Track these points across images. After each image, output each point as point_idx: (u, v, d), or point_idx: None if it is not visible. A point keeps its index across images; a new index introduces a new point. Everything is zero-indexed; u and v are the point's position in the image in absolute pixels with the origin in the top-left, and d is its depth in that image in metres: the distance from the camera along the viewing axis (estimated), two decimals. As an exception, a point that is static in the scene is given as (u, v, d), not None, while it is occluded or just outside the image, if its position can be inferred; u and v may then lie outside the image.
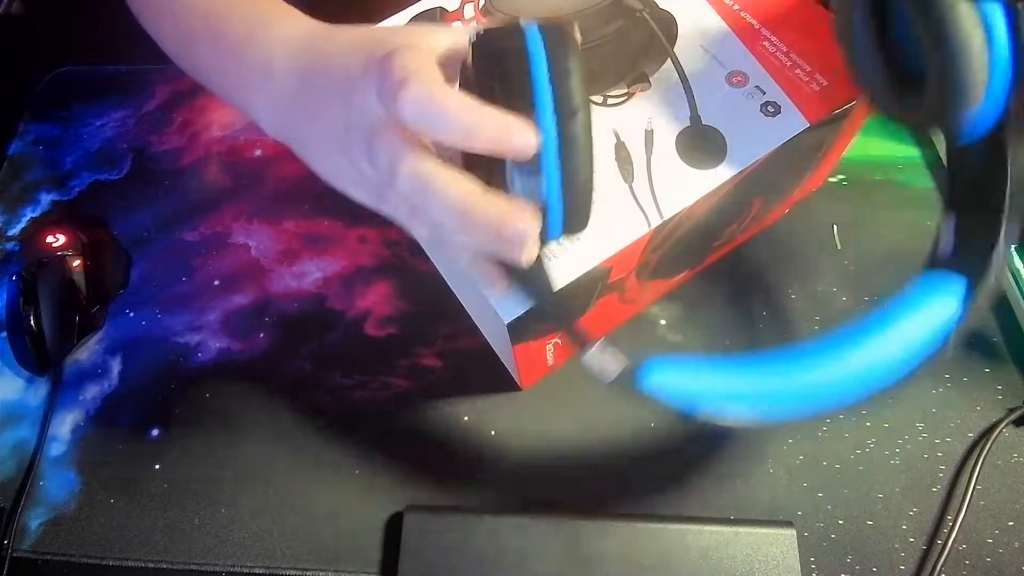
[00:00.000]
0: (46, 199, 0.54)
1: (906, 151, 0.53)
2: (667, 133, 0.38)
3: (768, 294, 0.48)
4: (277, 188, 0.53)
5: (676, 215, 0.36)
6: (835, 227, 0.50)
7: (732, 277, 0.49)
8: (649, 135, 0.38)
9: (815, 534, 0.41)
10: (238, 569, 0.42)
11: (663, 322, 0.48)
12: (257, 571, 0.42)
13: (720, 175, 0.37)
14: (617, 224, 0.36)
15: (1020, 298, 0.45)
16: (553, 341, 0.41)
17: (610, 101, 0.39)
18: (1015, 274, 0.46)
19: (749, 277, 0.49)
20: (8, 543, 0.42)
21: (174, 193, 0.54)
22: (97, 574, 0.42)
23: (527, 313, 0.34)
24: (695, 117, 0.39)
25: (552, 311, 0.32)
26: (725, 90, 0.39)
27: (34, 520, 0.43)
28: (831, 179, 0.52)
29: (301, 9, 0.37)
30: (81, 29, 0.61)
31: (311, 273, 0.50)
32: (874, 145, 0.53)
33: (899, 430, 0.44)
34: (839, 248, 0.49)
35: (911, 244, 0.49)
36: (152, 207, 0.53)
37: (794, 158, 0.41)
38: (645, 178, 0.37)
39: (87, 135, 0.56)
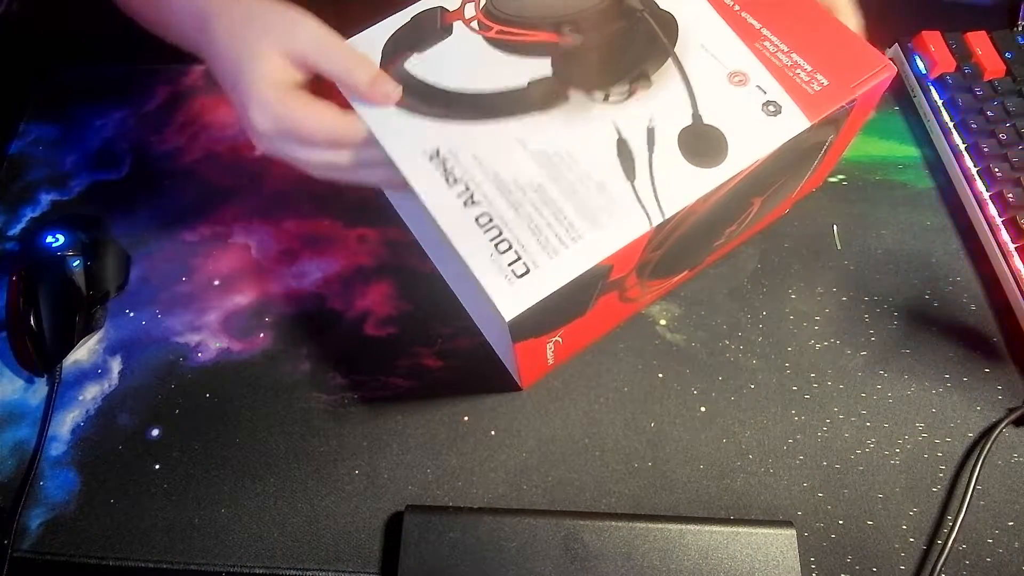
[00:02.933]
0: (46, 199, 0.54)
1: (906, 151, 0.53)
2: (669, 132, 0.38)
3: (768, 294, 0.48)
4: (277, 188, 0.53)
5: (677, 214, 0.36)
6: (835, 227, 0.50)
7: (732, 277, 0.49)
8: (651, 133, 0.38)
9: (815, 534, 0.41)
10: (238, 569, 0.42)
11: (663, 322, 0.48)
12: (257, 571, 0.42)
13: (721, 174, 0.37)
14: (618, 222, 0.36)
15: (1020, 298, 0.45)
16: (554, 340, 0.41)
17: (612, 99, 0.39)
18: (1015, 274, 0.46)
19: (749, 277, 0.49)
20: (8, 543, 0.42)
21: (174, 193, 0.54)
22: (97, 574, 0.42)
23: (529, 311, 0.34)
24: (696, 116, 0.39)
25: None
26: (726, 89, 0.39)
27: (34, 520, 0.43)
28: (831, 179, 0.52)
29: (307, 9, 0.37)
30: (81, 29, 0.61)
31: (311, 273, 0.50)
32: (874, 145, 0.54)
33: (899, 430, 0.44)
34: (839, 248, 0.50)
35: (911, 244, 0.49)
36: (152, 207, 0.53)
37: (794, 158, 0.41)
38: (647, 176, 0.37)
39: (87, 135, 0.56)
